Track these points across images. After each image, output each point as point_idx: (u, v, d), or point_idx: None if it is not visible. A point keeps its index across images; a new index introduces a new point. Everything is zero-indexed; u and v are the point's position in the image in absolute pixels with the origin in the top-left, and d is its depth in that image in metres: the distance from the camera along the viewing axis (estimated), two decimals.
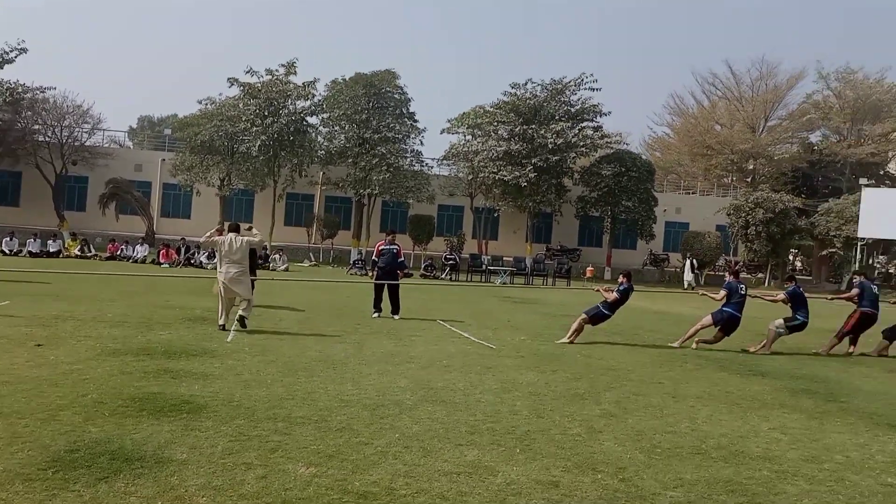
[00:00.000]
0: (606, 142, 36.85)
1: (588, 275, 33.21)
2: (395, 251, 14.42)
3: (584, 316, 12.05)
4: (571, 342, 11.66)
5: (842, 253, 39.17)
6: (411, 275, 20.68)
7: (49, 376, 6.98)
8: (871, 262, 40.62)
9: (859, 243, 36.29)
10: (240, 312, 10.62)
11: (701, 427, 6.69)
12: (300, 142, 33.99)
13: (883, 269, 42.93)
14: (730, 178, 50.79)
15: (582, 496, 4.71)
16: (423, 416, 6.41)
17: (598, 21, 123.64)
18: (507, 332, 12.61)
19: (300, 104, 34.72)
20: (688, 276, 32.55)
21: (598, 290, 13.53)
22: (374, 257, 14.89)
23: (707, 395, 8.21)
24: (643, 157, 44.28)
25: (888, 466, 5.77)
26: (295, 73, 34.34)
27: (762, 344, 12.26)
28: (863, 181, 38.16)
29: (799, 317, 12.35)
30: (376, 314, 13.83)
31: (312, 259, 33.47)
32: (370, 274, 16.59)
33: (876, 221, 34.91)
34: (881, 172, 45.29)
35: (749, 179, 46.77)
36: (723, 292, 12.37)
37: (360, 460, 5.11)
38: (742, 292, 12.29)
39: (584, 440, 6.01)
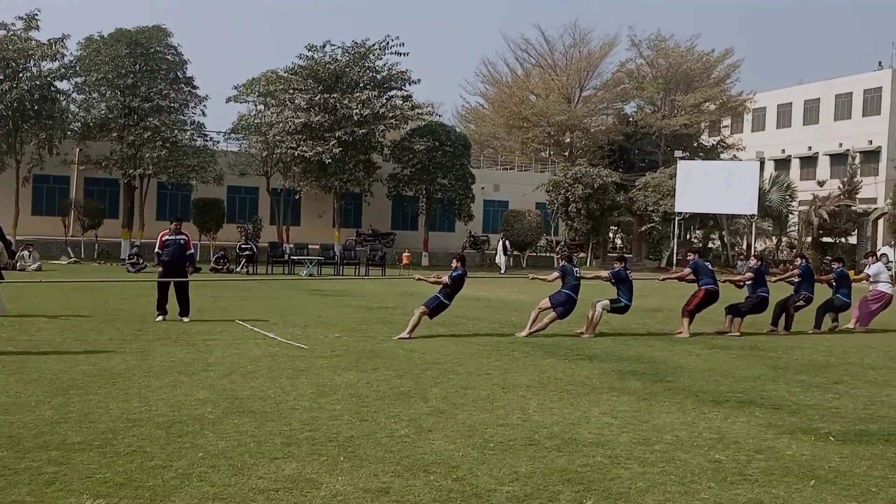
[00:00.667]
0: (417, 113, 37.75)
1: (404, 261, 33.93)
2: (182, 242, 13.93)
3: (423, 308, 12.34)
4: (410, 337, 11.93)
5: (660, 228, 43.05)
6: (200, 269, 19.99)
7: None
8: (688, 237, 45.19)
9: (677, 218, 40.12)
10: None
11: (532, 417, 7.19)
12: (48, 112, 31.71)
13: (699, 244, 47.81)
14: (547, 153, 53.92)
15: (415, 500, 4.92)
16: (229, 431, 6.34)
17: None
18: (318, 330, 12.66)
19: (46, 66, 32.45)
20: (500, 259, 34.18)
21: (420, 279, 13.93)
22: (156, 250, 14.24)
23: (537, 383, 8.80)
24: (458, 129, 45.82)
25: (715, 443, 6.54)
26: (38, 29, 32.04)
27: (587, 326, 13.26)
28: (678, 154, 42.17)
29: (622, 299, 13.49)
30: (161, 317, 13.35)
31: (72, 255, 31.36)
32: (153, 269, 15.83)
33: (691, 195, 38.81)
34: (695, 144, 50.23)
35: (567, 153, 49.91)
36: (556, 274, 13.26)
37: (159, 486, 4.99)
38: (577, 274, 13.26)
39: (413, 441, 6.25)
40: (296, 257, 29.53)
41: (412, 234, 41.68)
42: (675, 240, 41.35)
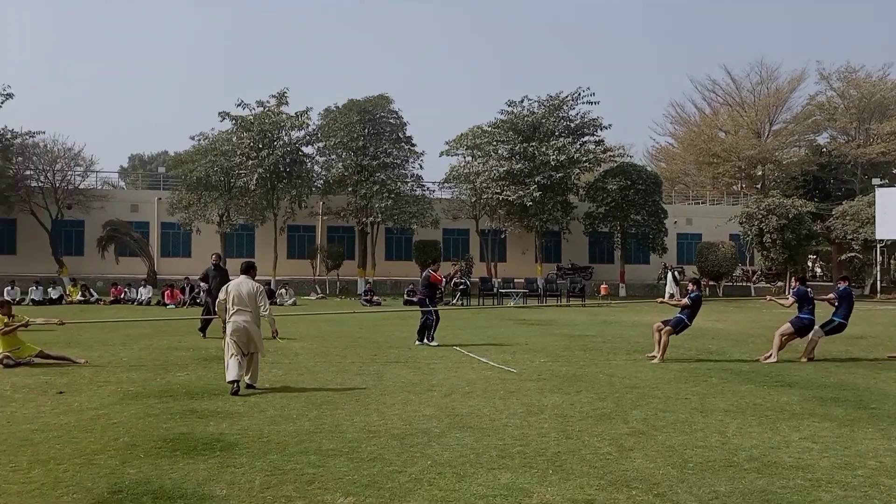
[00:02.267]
0: (609, 155, 37.30)
1: (602, 292, 33.44)
2: (427, 277, 15.16)
3: (668, 328, 12.35)
4: (662, 359, 12.10)
5: (861, 256, 39.34)
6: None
7: (77, 422, 7.23)
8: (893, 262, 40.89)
9: (878, 245, 36.47)
10: (246, 379, 9.19)
11: (731, 440, 6.90)
12: (297, 172, 34.48)
13: None
14: (739, 186, 51.19)
15: None
16: (451, 443, 6.63)
17: (590, 34, 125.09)
18: (526, 356, 12.82)
19: (295, 134, 35.28)
20: (670, 289, 32.47)
21: (661, 302, 13.84)
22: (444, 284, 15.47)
23: (735, 408, 8.41)
24: (648, 168, 44.68)
25: None
26: (287, 104, 35.01)
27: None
28: (875, 181, 38.48)
29: (836, 318, 12.63)
30: (421, 342, 14.27)
31: (319, 292, 33.77)
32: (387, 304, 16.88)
33: (892, 221, 35.13)
34: (894, 171, 45.62)
35: (759, 186, 47.10)
36: (792, 299, 12.75)
37: (396, 488, 5.34)
38: (811, 296, 12.69)
39: (616, 458, 6.23)
40: (503, 290, 30.03)
41: (609, 266, 40.96)
42: (878, 267, 37.59)
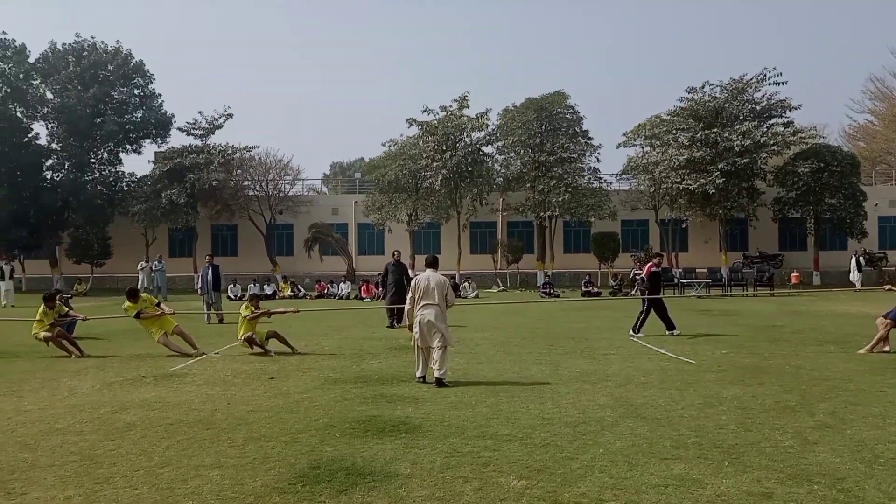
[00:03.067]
0: (800, 137, 34.38)
1: (793, 281, 31.07)
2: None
3: (888, 321, 11.37)
4: (873, 351, 11.20)
5: None
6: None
7: (285, 405, 7.93)
8: None
9: None
10: (435, 373, 9.01)
11: None
12: (478, 171, 35.10)
13: None
14: None
15: None
16: (625, 433, 6.53)
17: (777, 10, 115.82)
18: (706, 346, 12.27)
19: (475, 135, 35.89)
20: (853, 277, 29.11)
21: (890, 289, 12.93)
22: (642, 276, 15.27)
23: None
24: (844, 149, 40.76)
25: None
26: (468, 107, 35.66)
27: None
28: None
29: None
30: (675, 332, 13.92)
31: (500, 284, 34.22)
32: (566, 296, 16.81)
33: None
34: None
35: None
36: None
37: (568, 474, 5.37)
38: None
39: (798, 452, 5.84)
40: (684, 280, 28.76)
41: (801, 254, 37.84)
42: None
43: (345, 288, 30.22)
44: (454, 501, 4.84)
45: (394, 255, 18.46)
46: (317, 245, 36.13)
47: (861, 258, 30.49)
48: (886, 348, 11.17)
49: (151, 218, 35.93)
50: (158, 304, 12.88)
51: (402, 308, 10.71)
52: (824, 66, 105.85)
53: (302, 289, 31.19)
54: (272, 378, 9.64)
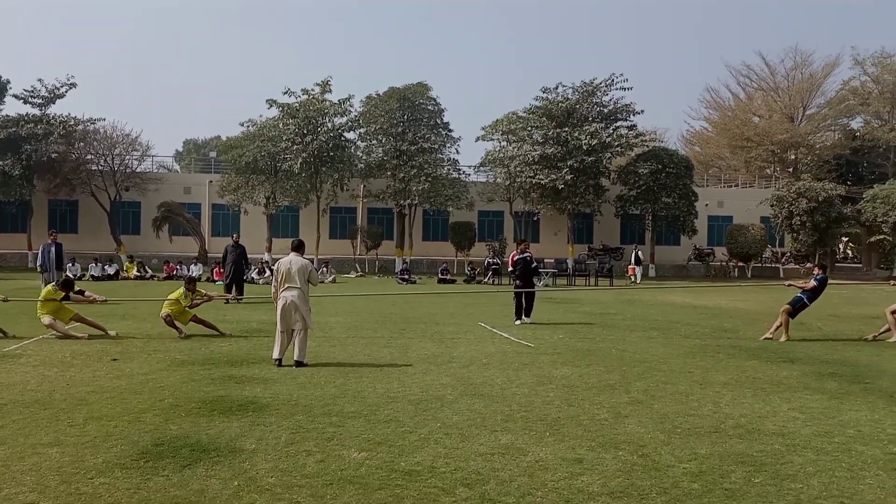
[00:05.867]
0: (641, 140, 37.07)
1: (630, 272, 33.43)
2: (527, 258, 15.15)
3: (786, 307, 12.54)
4: (773, 338, 12.30)
5: (891, 239, 38.56)
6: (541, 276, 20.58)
7: (128, 385, 7.83)
8: None
9: None
10: (295, 354, 9.30)
11: (723, 410, 7.19)
12: (340, 157, 35.01)
13: None
14: (771, 169, 50.32)
15: (603, 470, 5.29)
16: (462, 408, 7.05)
17: (624, 20, 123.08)
18: (546, 332, 13.15)
19: (338, 121, 35.76)
20: (632, 272, 31.95)
21: (790, 285, 13.94)
22: (510, 268, 15.55)
23: (734, 381, 8.66)
24: (680, 152, 44.20)
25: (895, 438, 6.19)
26: (330, 92, 35.50)
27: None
28: None
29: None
30: (519, 321, 14.41)
31: (358, 270, 34.38)
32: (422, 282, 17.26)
33: None
34: None
35: (791, 169, 46.31)
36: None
37: (406, 446, 5.78)
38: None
39: (611, 424, 6.57)
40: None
41: (640, 247, 40.78)
42: None
43: (196, 270, 29.26)
44: (296, 472, 5.10)
45: (233, 237, 19.94)
46: (167, 225, 34.72)
47: (639, 253, 33.44)
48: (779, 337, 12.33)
49: None
50: (80, 292, 12.39)
51: (241, 285, 10.86)
52: (667, 76, 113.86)
53: (149, 270, 29.87)
54: (114, 360, 9.42)
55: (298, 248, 9.93)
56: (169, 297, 12.20)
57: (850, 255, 50.69)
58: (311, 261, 31.05)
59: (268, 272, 26.98)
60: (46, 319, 11.41)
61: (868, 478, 5.12)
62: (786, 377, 8.96)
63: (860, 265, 45.15)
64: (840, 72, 57.53)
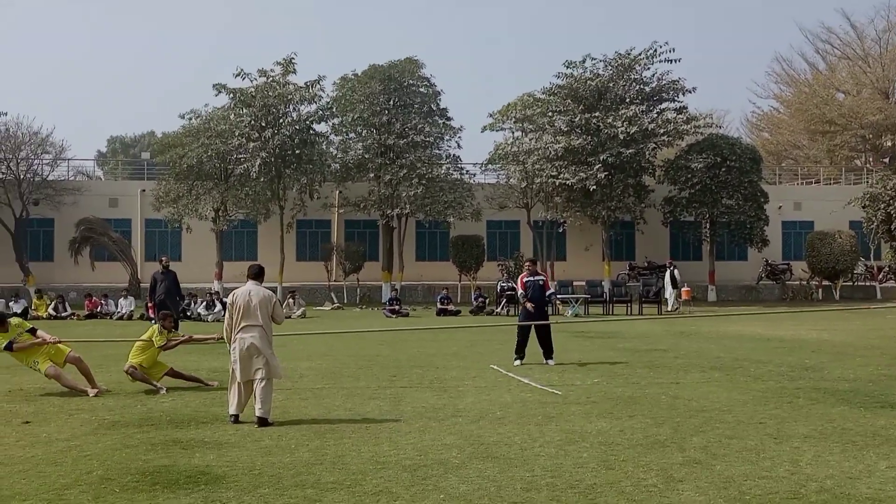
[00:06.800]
0: (694, 126, 37.27)
1: (685, 297, 33.58)
2: (541, 283, 15.35)
3: None
4: None
5: None
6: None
7: (45, 455, 7.94)
8: None
9: None
10: (256, 411, 9.34)
11: (803, 470, 7.28)
12: (308, 156, 35.21)
13: None
14: (862, 160, 50.69)
15: None
16: (471, 475, 7.15)
17: None
18: (576, 375, 13.29)
19: (305, 109, 36.07)
20: (667, 293, 31.67)
21: None
22: (520, 291, 15.69)
23: (818, 433, 8.76)
24: (745, 141, 44.57)
25: None
26: (295, 73, 35.76)
27: None
28: None
29: None
30: (518, 361, 14.61)
31: (335, 300, 34.52)
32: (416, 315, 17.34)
33: None
34: None
35: (887, 160, 46.62)
36: None
37: None
38: None
39: (661, 491, 6.67)
40: (560, 296, 30.40)
41: (696, 264, 40.90)
42: None
43: (125, 305, 29.42)
44: None
45: (161, 261, 20.70)
46: (87, 247, 34.94)
47: (675, 271, 32.83)
48: None
49: None
50: (33, 331, 12.28)
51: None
52: (724, 43, 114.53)
53: (68, 307, 29.98)
54: (27, 422, 9.53)
55: (258, 275, 10.07)
56: (139, 341, 12.34)
57: None
58: (274, 290, 31.45)
59: (218, 306, 27.15)
60: (48, 369, 11.71)
61: None
62: (883, 427, 9.07)
63: None
64: None
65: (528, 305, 15.10)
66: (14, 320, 12.60)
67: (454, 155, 37.84)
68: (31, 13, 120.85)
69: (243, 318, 9.58)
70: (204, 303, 28.54)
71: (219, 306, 27.05)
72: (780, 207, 42.51)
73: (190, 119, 36.31)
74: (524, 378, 12.85)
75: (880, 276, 40.62)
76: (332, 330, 21.75)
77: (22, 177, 36.93)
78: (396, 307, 30.11)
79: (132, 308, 29.34)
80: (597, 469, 7.35)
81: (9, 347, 11.77)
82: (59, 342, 12.42)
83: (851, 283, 39.52)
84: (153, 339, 12.26)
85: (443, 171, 36.75)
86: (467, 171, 38.69)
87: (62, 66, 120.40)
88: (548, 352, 14.89)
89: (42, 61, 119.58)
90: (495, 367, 14.32)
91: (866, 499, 6.41)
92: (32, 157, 37.92)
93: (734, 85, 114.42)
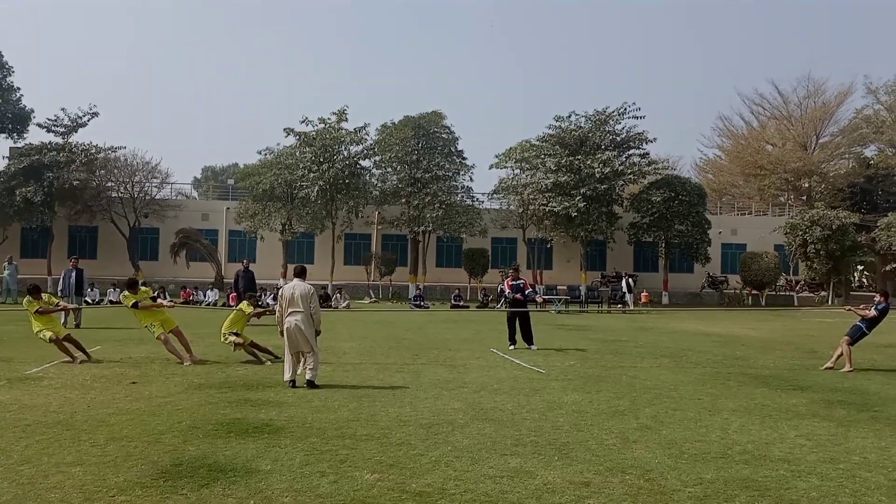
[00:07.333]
0: (654, 168, 37.14)
1: (643, 300, 33.38)
2: (521, 285, 15.36)
3: (846, 338, 12.56)
4: (834, 367, 12.33)
5: None
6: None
7: (147, 408, 8.02)
8: None
9: None
10: (307, 375, 9.59)
11: (730, 436, 7.26)
12: (355, 184, 35.32)
13: None
14: (785, 197, 50.30)
15: (609, 493, 5.39)
16: (473, 433, 7.17)
17: (639, 49, 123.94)
18: (557, 358, 13.24)
19: (353, 149, 36.12)
20: (626, 297, 31.33)
21: (849, 310, 13.77)
22: (506, 292, 15.74)
23: (743, 408, 8.72)
24: (693, 180, 44.29)
25: None
26: (346, 120, 35.88)
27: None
28: None
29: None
30: (513, 346, 14.62)
31: (372, 296, 34.56)
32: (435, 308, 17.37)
33: None
34: None
35: (805, 197, 46.28)
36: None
37: (417, 468, 5.91)
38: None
39: (618, 449, 6.67)
40: (546, 296, 30.25)
41: (653, 275, 40.68)
42: None
43: (212, 295, 29.61)
44: (310, 493, 5.24)
45: (243, 262, 20.59)
46: (184, 251, 35.17)
47: (630, 279, 32.96)
48: (850, 368, 12.23)
49: (3, 216, 33.74)
50: (154, 298, 12.48)
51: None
52: (681, 104, 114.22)
53: (167, 295, 30.14)
54: (133, 382, 9.62)
55: (301, 273, 10.34)
56: (235, 312, 12.65)
57: (866, 283, 50.31)
58: (325, 287, 31.51)
59: None
60: (160, 334, 11.90)
61: (871, 503, 5.18)
62: (795, 405, 9.01)
63: (873, 293, 44.78)
64: (853, 100, 57.71)
65: (516, 296, 15.12)
66: (142, 288, 12.65)
67: (467, 186, 37.74)
68: (155, 67, 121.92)
69: (289, 305, 9.84)
70: (272, 295, 28.59)
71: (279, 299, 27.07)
72: (720, 232, 42.21)
73: (265, 154, 36.54)
74: (516, 359, 12.84)
75: (797, 288, 40.28)
76: (371, 315, 21.76)
77: (135, 196, 37.24)
78: (420, 302, 30.09)
79: (217, 298, 29.49)
80: (570, 431, 7.35)
81: (135, 305, 11.91)
82: (174, 305, 12.58)
83: (774, 293, 39.20)
84: (244, 308, 12.57)
85: (458, 199, 36.68)
86: (477, 198, 38.56)
87: (173, 110, 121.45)
88: (529, 339, 14.78)
89: (161, 104, 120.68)
90: (494, 350, 14.32)
91: (778, 459, 6.39)
92: (144, 180, 38.21)
93: (687, 137, 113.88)
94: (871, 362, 13.51)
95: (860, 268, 49.32)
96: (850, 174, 44.89)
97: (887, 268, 39.24)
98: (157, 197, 39.20)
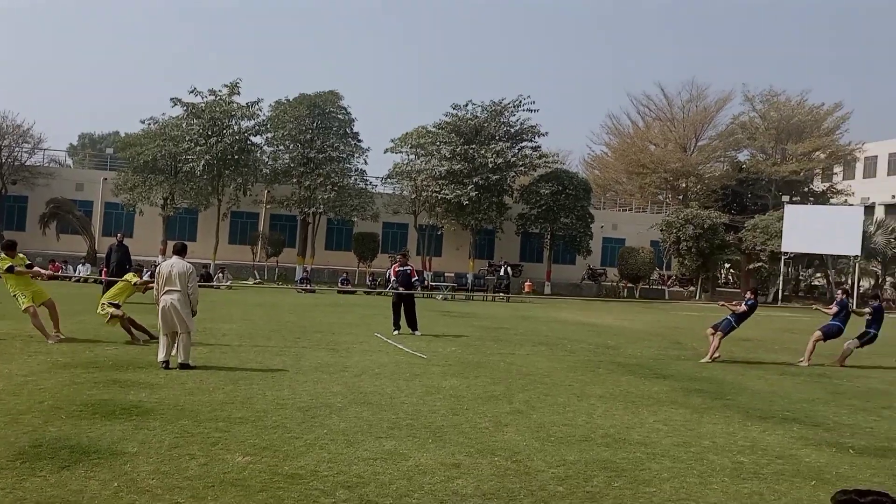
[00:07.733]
0: (545, 161, 38.35)
1: (527, 290, 34.39)
2: (408, 271, 15.32)
3: (718, 333, 13.08)
4: (713, 360, 12.82)
5: (767, 266, 41.35)
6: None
7: (6, 387, 7.58)
8: (799, 275, 43.19)
9: (783, 257, 38.47)
10: (179, 357, 9.36)
11: (595, 420, 7.67)
12: (245, 161, 34.45)
13: (807, 282, 45.43)
14: (664, 196, 52.93)
15: (478, 474, 5.60)
16: (350, 416, 7.23)
17: (537, 43, 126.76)
18: (440, 344, 13.47)
19: (244, 124, 35.21)
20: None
21: (722, 304, 14.35)
22: (392, 279, 15.62)
23: (609, 394, 9.21)
24: (581, 175, 45.93)
25: (744, 449, 6.81)
26: (238, 94, 34.93)
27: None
28: (785, 199, 40.55)
29: (871, 330, 13.65)
30: (397, 331, 14.59)
31: (257, 277, 33.85)
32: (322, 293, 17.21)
33: (797, 236, 37.22)
34: (805, 190, 47.89)
35: (681, 197, 48.91)
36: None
37: (291, 451, 5.91)
38: (849, 308, 13.80)
39: (490, 432, 6.92)
40: (433, 283, 30.68)
41: (538, 265, 42.01)
42: (782, 277, 39.75)
43: (83, 270, 28.12)
44: (178, 475, 5.16)
45: (117, 236, 19.95)
46: (55, 222, 33.18)
47: (508, 267, 34.38)
48: (717, 355, 12.97)
49: None
50: (30, 265, 11.49)
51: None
52: (573, 101, 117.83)
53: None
54: None
55: (181, 251, 9.99)
56: (121, 281, 12.21)
57: (731, 280, 53.84)
58: (208, 266, 30.59)
59: None
60: (27, 306, 11.12)
61: (714, 483, 5.65)
62: (656, 392, 9.60)
63: (739, 290, 48.07)
64: (732, 107, 61.46)
65: (400, 289, 15.22)
66: (19, 255, 11.86)
67: (361, 169, 37.67)
68: (32, 24, 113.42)
69: (166, 284, 9.58)
70: (149, 272, 27.35)
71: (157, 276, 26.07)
72: (602, 227, 44.01)
73: (149, 124, 34.99)
74: (399, 344, 12.98)
75: (669, 283, 42.67)
76: (255, 297, 21.35)
77: (3, 161, 34.71)
78: (306, 285, 29.73)
79: (88, 273, 28.01)
80: (446, 415, 7.54)
81: (10, 270, 11.13)
82: (54, 277, 11.86)
83: (648, 286, 41.34)
84: (129, 279, 12.21)
85: (351, 181, 36.51)
86: (370, 182, 38.56)
87: (45, 69, 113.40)
88: (413, 325, 14.91)
89: (27, 63, 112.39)
90: (378, 335, 14.40)
91: (636, 442, 6.81)
92: (13, 145, 35.69)
93: (577, 132, 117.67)
94: (729, 354, 14.52)
95: (727, 266, 52.77)
96: (724, 177, 47.80)
97: (751, 266, 42.18)
98: (28, 163, 36.73)
